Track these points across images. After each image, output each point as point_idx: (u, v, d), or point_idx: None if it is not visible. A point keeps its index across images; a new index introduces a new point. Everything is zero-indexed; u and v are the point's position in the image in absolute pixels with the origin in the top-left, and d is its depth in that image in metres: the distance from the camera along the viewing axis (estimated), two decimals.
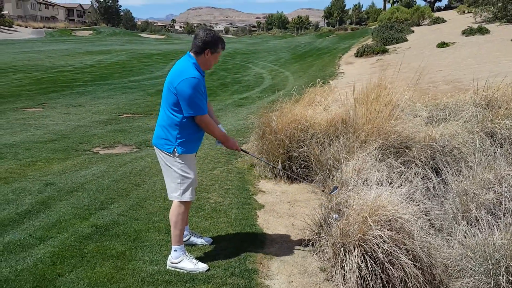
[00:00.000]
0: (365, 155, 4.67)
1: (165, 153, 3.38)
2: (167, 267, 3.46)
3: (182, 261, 3.43)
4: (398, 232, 3.14)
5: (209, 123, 3.39)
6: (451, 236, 3.62)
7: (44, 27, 72.07)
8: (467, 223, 3.64)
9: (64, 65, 23.32)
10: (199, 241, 3.91)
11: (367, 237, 3.12)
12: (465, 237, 3.39)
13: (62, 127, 8.95)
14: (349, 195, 3.64)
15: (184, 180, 3.38)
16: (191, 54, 3.37)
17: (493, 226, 3.42)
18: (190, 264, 3.42)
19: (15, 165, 6.13)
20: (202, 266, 3.43)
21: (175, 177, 3.39)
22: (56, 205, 4.66)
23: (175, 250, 3.46)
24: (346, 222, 3.32)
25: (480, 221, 3.48)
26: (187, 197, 3.42)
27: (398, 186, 3.65)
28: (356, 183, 4.00)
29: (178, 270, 3.41)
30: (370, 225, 3.12)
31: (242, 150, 3.77)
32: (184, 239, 3.83)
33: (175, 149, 3.32)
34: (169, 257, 3.49)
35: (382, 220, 3.18)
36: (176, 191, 3.42)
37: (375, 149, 4.77)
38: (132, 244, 3.79)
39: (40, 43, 45.40)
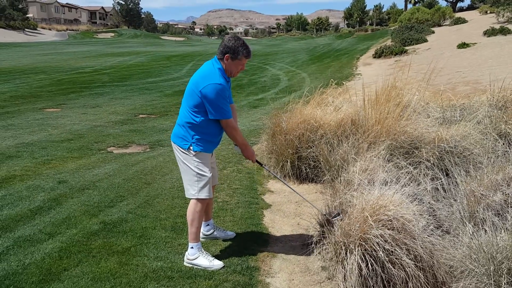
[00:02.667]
0: (373, 156, 4.64)
1: (181, 150, 3.44)
2: (184, 263, 3.52)
3: (198, 257, 3.49)
4: (399, 232, 3.11)
5: (234, 128, 3.47)
6: (458, 237, 3.58)
7: (67, 29, 73.72)
8: (474, 225, 3.59)
9: (85, 66, 23.78)
10: (222, 235, 3.99)
11: (367, 236, 3.11)
12: (471, 239, 3.34)
13: (79, 127, 9.13)
14: (353, 195, 3.63)
15: (201, 178, 3.44)
16: (218, 59, 3.41)
17: (500, 228, 3.38)
18: (206, 261, 3.47)
19: (30, 163, 6.28)
20: (217, 263, 3.48)
21: (192, 175, 3.45)
22: (67, 202, 4.77)
23: (192, 247, 3.53)
24: (347, 222, 3.31)
25: (486, 223, 3.43)
26: (204, 194, 3.47)
27: (402, 186, 3.61)
28: (361, 182, 3.97)
29: (194, 266, 3.47)
30: (370, 224, 3.11)
31: (257, 161, 3.80)
32: (208, 233, 3.94)
33: (191, 146, 3.39)
34: (186, 253, 3.55)
35: (383, 219, 3.16)
36: (193, 189, 3.47)
37: (383, 150, 4.74)
38: (138, 241, 3.86)
39: (62, 45, 46.39)
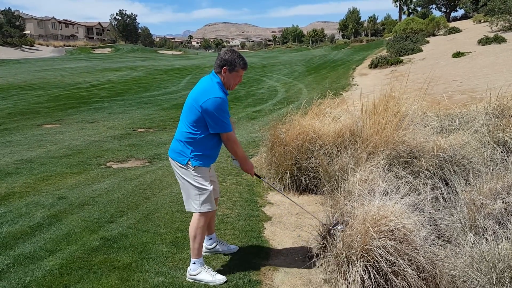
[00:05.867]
0: (372, 166, 4.65)
1: (179, 165, 3.43)
2: (186, 278, 3.50)
3: (200, 273, 3.47)
4: (401, 243, 3.11)
5: (235, 141, 3.46)
6: (459, 246, 3.57)
7: (64, 45, 73.98)
8: (475, 234, 3.59)
9: (82, 82, 23.85)
10: (225, 249, 3.97)
11: (369, 247, 3.10)
12: (473, 248, 3.34)
13: (78, 142, 9.13)
14: (353, 206, 3.63)
15: (202, 191, 3.42)
16: (215, 73, 3.43)
17: (501, 236, 3.37)
18: (208, 276, 3.45)
19: (30, 179, 6.27)
20: (220, 278, 3.46)
21: (193, 190, 3.43)
22: (67, 218, 4.75)
23: (194, 263, 3.50)
24: (349, 233, 3.31)
25: (487, 231, 3.43)
26: (206, 208, 3.45)
27: (402, 196, 3.62)
28: (361, 193, 3.97)
29: (196, 281, 3.44)
30: (372, 235, 3.10)
31: (256, 175, 3.78)
32: (211, 247, 3.92)
33: (189, 161, 3.38)
34: (188, 269, 3.53)
35: (385, 230, 3.16)
36: (195, 204, 3.45)
37: (382, 160, 4.75)
38: (139, 256, 3.84)
39: (60, 61, 46.55)
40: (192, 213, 3.52)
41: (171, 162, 3.54)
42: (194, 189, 3.43)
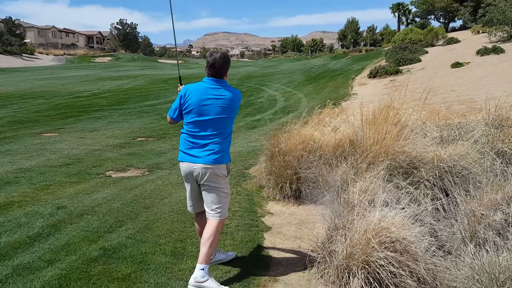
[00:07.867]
0: (372, 176, 4.64)
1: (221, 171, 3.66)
2: (190, 286, 3.40)
3: (207, 280, 3.39)
4: (402, 254, 3.10)
5: (169, 121, 4.03)
6: (460, 258, 3.56)
7: (64, 54, 74.22)
8: (476, 245, 3.58)
9: (82, 90, 23.88)
10: (223, 257, 3.96)
11: (371, 259, 3.09)
12: (473, 259, 3.33)
13: (77, 151, 9.12)
14: (353, 217, 3.62)
15: (228, 197, 3.73)
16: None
17: (502, 248, 3.37)
18: (214, 285, 3.38)
19: (29, 189, 6.25)
20: None
21: (226, 196, 3.70)
22: (66, 228, 4.73)
23: (202, 269, 3.40)
24: (349, 244, 3.30)
25: (488, 242, 3.42)
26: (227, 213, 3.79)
27: (403, 208, 3.61)
28: (361, 203, 3.97)
29: None
30: (373, 247, 3.10)
31: None
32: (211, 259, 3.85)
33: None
34: (193, 276, 3.40)
35: (386, 241, 3.15)
36: (226, 209, 3.71)
37: (382, 170, 4.75)
38: (138, 267, 3.82)
39: (60, 70, 46.67)
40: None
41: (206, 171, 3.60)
42: (226, 197, 3.66)
